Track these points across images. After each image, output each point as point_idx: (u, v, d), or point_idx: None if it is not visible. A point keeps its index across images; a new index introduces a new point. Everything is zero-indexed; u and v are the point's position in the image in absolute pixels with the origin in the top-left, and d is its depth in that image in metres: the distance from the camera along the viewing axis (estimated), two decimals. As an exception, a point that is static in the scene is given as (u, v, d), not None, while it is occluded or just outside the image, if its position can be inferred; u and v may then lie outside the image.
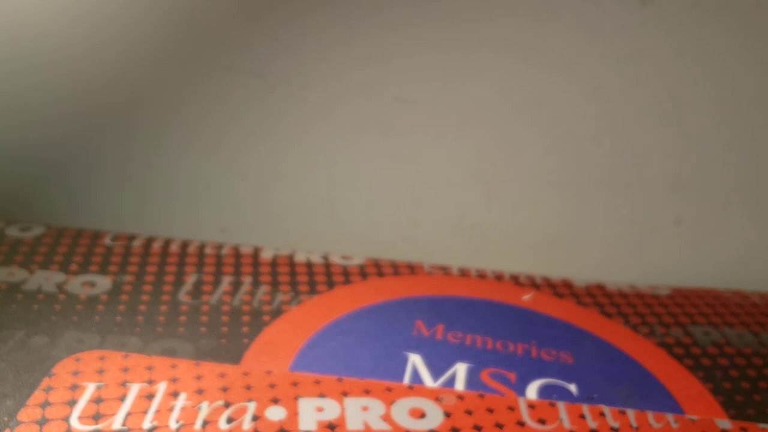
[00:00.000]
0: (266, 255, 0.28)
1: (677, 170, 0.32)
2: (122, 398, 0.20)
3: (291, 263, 0.27)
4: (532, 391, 0.22)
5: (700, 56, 0.30)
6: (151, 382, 0.21)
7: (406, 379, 0.22)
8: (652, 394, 0.22)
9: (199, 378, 0.21)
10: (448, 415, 0.21)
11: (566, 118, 0.31)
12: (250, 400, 0.20)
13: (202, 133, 0.32)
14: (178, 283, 0.26)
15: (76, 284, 0.25)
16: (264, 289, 0.26)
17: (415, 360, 0.23)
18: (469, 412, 0.21)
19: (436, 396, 0.21)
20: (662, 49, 0.30)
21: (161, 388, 0.20)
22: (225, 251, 0.28)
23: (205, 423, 0.19)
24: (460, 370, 0.23)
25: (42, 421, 0.19)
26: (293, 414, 0.20)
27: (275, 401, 0.20)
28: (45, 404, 0.20)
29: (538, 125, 0.31)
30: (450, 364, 0.23)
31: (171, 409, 0.20)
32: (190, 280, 0.26)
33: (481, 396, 0.21)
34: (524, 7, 0.29)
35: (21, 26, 0.29)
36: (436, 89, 0.31)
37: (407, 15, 0.30)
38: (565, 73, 0.30)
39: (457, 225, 0.33)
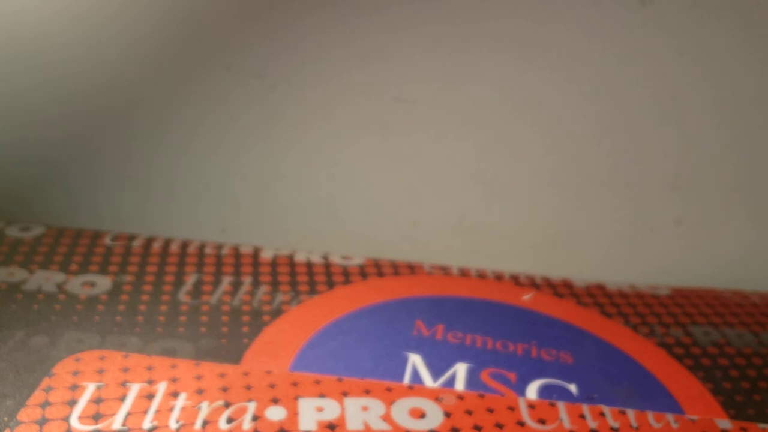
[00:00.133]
0: (266, 255, 0.28)
1: (677, 170, 0.32)
2: (122, 398, 0.20)
3: (291, 263, 0.27)
4: (532, 391, 0.22)
5: (700, 56, 0.30)
6: (151, 382, 0.21)
7: (406, 379, 0.22)
8: (652, 394, 0.22)
9: (199, 378, 0.21)
10: (448, 415, 0.21)
11: (566, 118, 0.31)
12: (250, 400, 0.20)
13: (202, 133, 0.32)
14: (178, 283, 0.26)
15: (76, 284, 0.25)
16: (264, 289, 0.26)
17: (415, 360, 0.23)
18: (469, 412, 0.21)
19: (436, 396, 0.21)
20: (662, 49, 0.30)
21: (161, 388, 0.20)
22: (225, 251, 0.28)
23: (205, 423, 0.19)
24: (460, 370, 0.23)
25: (42, 421, 0.19)
26: (293, 414, 0.20)
27: (275, 401, 0.20)
28: (45, 404, 0.20)
29: (538, 125, 0.31)
30: (450, 364, 0.23)
31: (171, 409, 0.20)
32: (190, 280, 0.26)
33: (481, 396, 0.21)
34: (524, 7, 0.29)
35: (21, 26, 0.29)
36: (436, 89, 0.31)
37: (407, 15, 0.30)
38: (565, 73, 0.30)
39: (457, 225, 0.33)
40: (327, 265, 0.28)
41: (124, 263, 0.26)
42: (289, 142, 0.32)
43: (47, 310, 0.23)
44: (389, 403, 0.21)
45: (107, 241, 0.28)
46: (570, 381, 0.23)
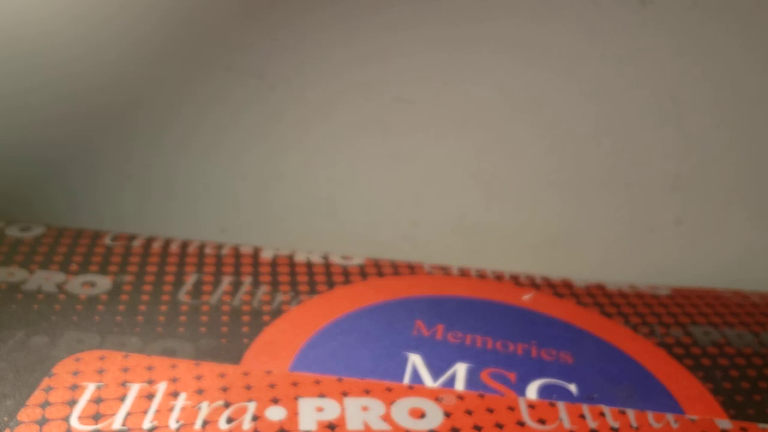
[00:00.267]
0: (266, 255, 0.28)
1: (677, 170, 0.32)
2: (122, 398, 0.20)
3: (291, 263, 0.27)
4: (532, 391, 0.22)
5: (700, 56, 0.30)
6: (151, 382, 0.21)
7: (406, 379, 0.22)
8: (652, 394, 0.22)
9: (199, 378, 0.21)
10: (448, 415, 0.21)
11: (566, 118, 0.31)
12: (250, 400, 0.20)
13: (202, 133, 0.32)
14: (178, 283, 0.26)
15: (76, 284, 0.25)
16: (264, 289, 0.26)
17: (415, 360, 0.23)
18: (469, 412, 0.21)
19: (436, 396, 0.21)
20: (662, 49, 0.30)
21: (161, 388, 0.20)
22: (225, 251, 0.28)
23: (205, 423, 0.19)
24: (460, 370, 0.23)
25: (42, 421, 0.19)
26: (293, 414, 0.20)
27: (275, 401, 0.20)
28: (45, 404, 0.20)
29: (538, 125, 0.31)
30: (450, 364, 0.23)
31: (171, 409, 0.20)
32: (190, 280, 0.26)
33: (481, 396, 0.21)
34: (524, 7, 0.29)
35: (21, 26, 0.29)
36: (436, 89, 0.31)
37: (407, 15, 0.30)
38: (565, 73, 0.30)
39: (457, 225, 0.33)
40: (327, 265, 0.28)
41: (124, 263, 0.26)
42: (289, 142, 0.32)
43: (47, 310, 0.23)
44: (389, 403, 0.21)
45: (107, 241, 0.28)
46: (570, 381, 0.23)
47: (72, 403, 0.20)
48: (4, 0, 0.29)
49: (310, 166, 0.32)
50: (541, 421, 0.21)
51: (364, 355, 0.23)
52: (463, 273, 0.28)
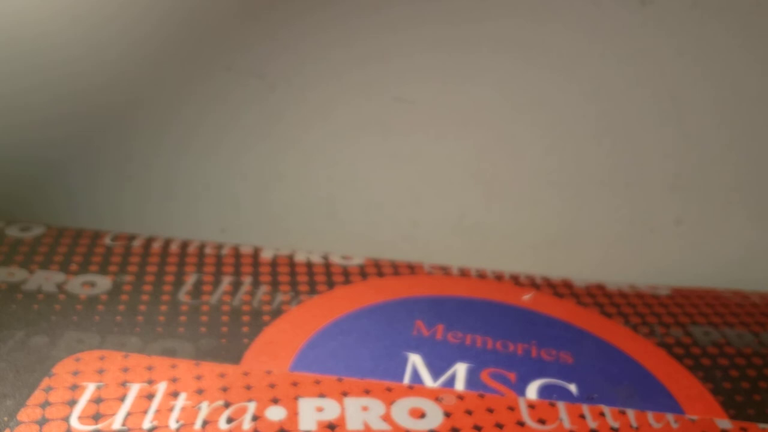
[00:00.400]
0: (266, 255, 0.28)
1: (677, 170, 0.32)
2: (122, 398, 0.20)
3: (291, 263, 0.27)
4: (532, 391, 0.22)
5: (700, 56, 0.30)
6: (151, 382, 0.21)
7: (406, 379, 0.22)
8: (652, 394, 0.22)
9: (199, 378, 0.21)
10: (448, 415, 0.21)
11: (566, 118, 0.31)
12: (250, 400, 0.20)
13: (202, 133, 0.32)
14: (178, 283, 0.26)
15: (76, 284, 0.25)
16: (264, 289, 0.26)
17: (415, 360, 0.23)
18: (469, 412, 0.21)
19: (436, 396, 0.21)
20: (662, 49, 0.30)
21: (161, 388, 0.20)
22: (225, 251, 0.28)
23: (205, 423, 0.19)
24: (460, 370, 0.23)
25: (42, 421, 0.19)
26: (293, 414, 0.20)
27: (275, 401, 0.20)
28: (45, 404, 0.20)
29: (538, 125, 0.31)
30: (450, 364, 0.23)
31: (171, 409, 0.20)
32: (190, 280, 0.26)
33: (481, 396, 0.21)
34: (524, 7, 0.29)
35: (21, 26, 0.29)
36: (436, 89, 0.31)
37: (407, 15, 0.30)
38: (565, 73, 0.30)
39: (457, 225, 0.33)
40: (327, 265, 0.28)
41: (124, 263, 0.26)
42: (289, 142, 0.32)
43: (47, 310, 0.23)
44: (389, 403, 0.21)
45: (107, 241, 0.28)
46: (570, 381, 0.23)
47: (72, 403, 0.20)
48: (4, 0, 0.29)
49: (310, 166, 0.32)
50: (541, 421, 0.21)
51: (364, 355, 0.23)
52: (463, 273, 0.28)
